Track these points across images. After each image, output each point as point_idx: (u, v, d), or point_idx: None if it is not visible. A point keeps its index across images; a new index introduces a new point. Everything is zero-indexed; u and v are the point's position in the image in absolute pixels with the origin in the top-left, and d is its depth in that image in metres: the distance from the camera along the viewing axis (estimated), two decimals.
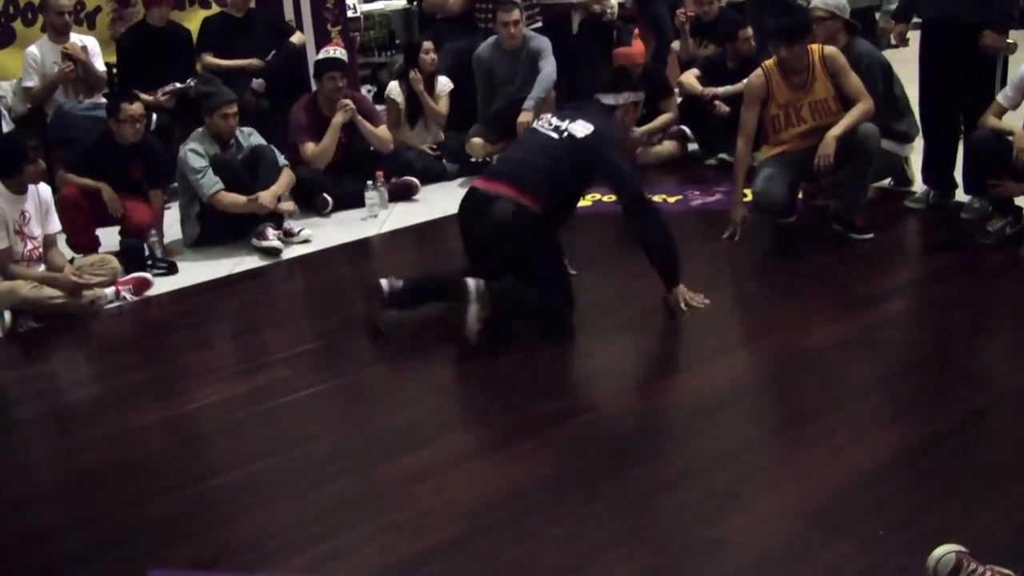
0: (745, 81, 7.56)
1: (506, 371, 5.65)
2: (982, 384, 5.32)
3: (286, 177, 8.16)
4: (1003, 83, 7.29)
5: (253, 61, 9.62)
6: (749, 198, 7.32)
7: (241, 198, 7.79)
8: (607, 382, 5.63)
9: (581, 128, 5.95)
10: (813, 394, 5.24)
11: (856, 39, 7.60)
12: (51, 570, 4.17)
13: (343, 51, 9.16)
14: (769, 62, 7.18)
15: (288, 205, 8.02)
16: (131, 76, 9.18)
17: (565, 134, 5.96)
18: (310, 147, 8.61)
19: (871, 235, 7.10)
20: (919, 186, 7.94)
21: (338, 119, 8.61)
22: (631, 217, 6.11)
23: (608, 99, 6.23)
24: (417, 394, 5.52)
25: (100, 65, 9.20)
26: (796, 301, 6.34)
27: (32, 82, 8.92)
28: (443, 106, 9.61)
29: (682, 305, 6.05)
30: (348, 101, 8.68)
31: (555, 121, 6.11)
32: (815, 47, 7.09)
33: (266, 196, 7.81)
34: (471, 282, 5.86)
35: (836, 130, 6.88)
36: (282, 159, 8.28)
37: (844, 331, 5.85)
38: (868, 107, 6.97)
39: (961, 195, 7.58)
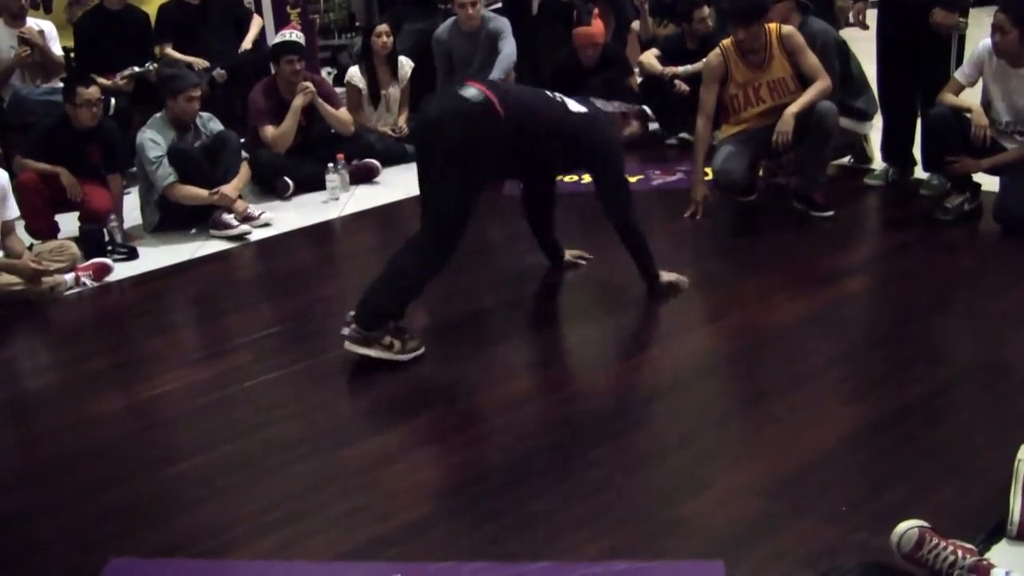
0: (704, 60, 7.57)
1: (469, 353, 5.64)
2: (942, 360, 5.34)
3: (245, 171, 8.15)
4: (960, 61, 7.31)
5: (201, 62, 9.52)
6: (710, 177, 7.33)
7: (201, 191, 7.78)
8: (569, 363, 5.64)
9: (575, 105, 5.85)
10: (774, 372, 5.25)
11: (809, 18, 7.63)
12: (9, 560, 4.13)
13: (300, 34, 9.13)
14: (727, 42, 7.18)
15: (240, 204, 7.96)
16: (89, 60, 9.14)
17: (558, 98, 5.83)
18: (270, 130, 8.59)
19: (831, 212, 7.12)
20: (878, 163, 7.98)
21: (298, 102, 8.59)
22: (609, 205, 6.01)
23: (599, 103, 6.18)
24: (380, 377, 5.50)
25: (57, 49, 9.16)
26: (757, 279, 6.36)
27: None
28: (404, 91, 9.59)
29: (670, 291, 6.06)
30: (308, 84, 8.65)
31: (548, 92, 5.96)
32: (772, 26, 7.09)
33: (230, 189, 7.82)
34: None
35: (794, 107, 6.91)
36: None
37: (805, 308, 5.87)
38: (826, 85, 6.99)
39: (920, 172, 7.62)
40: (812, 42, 7.32)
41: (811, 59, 7.05)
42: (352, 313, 5.47)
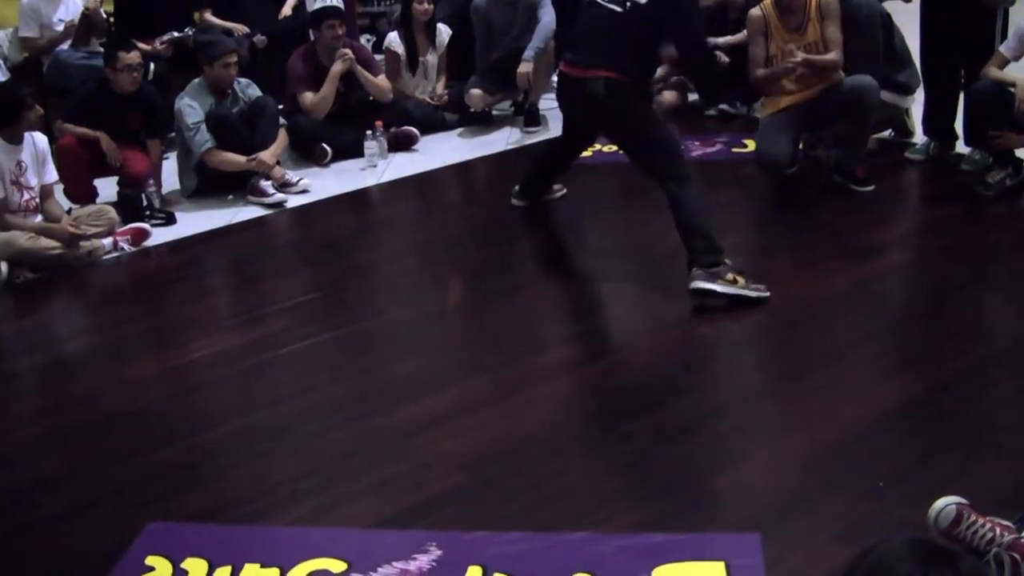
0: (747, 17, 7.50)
1: (506, 322, 5.64)
2: (981, 336, 5.30)
3: (283, 137, 8.15)
4: (1004, 35, 7.24)
5: (241, 28, 9.50)
6: (751, 148, 7.29)
7: (239, 157, 7.78)
8: (606, 334, 5.63)
9: None
10: (812, 345, 5.23)
11: None
12: (47, 522, 4.15)
13: None
14: (767, 1, 7.13)
15: (278, 171, 7.95)
16: (128, 24, 9.14)
17: (628, 4, 5.85)
18: (309, 96, 8.57)
19: (872, 187, 7.07)
20: (919, 137, 7.90)
21: (336, 68, 8.56)
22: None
23: None
24: (416, 345, 5.51)
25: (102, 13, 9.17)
26: (795, 252, 6.33)
27: (30, 32, 8.89)
28: (441, 59, 9.57)
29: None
30: (347, 51, 8.63)
31: None
32: None
33: (267, 156, 7.82)
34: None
35: (801, 54, 6.91)
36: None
37: (843, 282, 5.84)
38: (836, 59, 6.93)
39: (962, 146, 7.54)
40: (856, 14, 7.26)
41: (833, 31, 6.96)
42: (688, 261, 5.60)
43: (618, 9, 5.85)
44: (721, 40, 8.80)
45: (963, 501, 3.49)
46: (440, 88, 9.54)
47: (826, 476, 4.03)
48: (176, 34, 9.15)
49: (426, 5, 9.29)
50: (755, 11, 7.18)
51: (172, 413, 4.97)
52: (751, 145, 7.26)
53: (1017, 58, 6.88)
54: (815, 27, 6.98)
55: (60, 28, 8.95)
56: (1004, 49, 6.91)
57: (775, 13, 7.05)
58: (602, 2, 5.94)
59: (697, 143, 8.36)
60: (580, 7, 6.03)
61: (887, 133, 8.17)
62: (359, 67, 8.73)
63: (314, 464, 4.36)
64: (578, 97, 6.06)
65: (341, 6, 8.89)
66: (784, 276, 5.95)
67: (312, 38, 8.87)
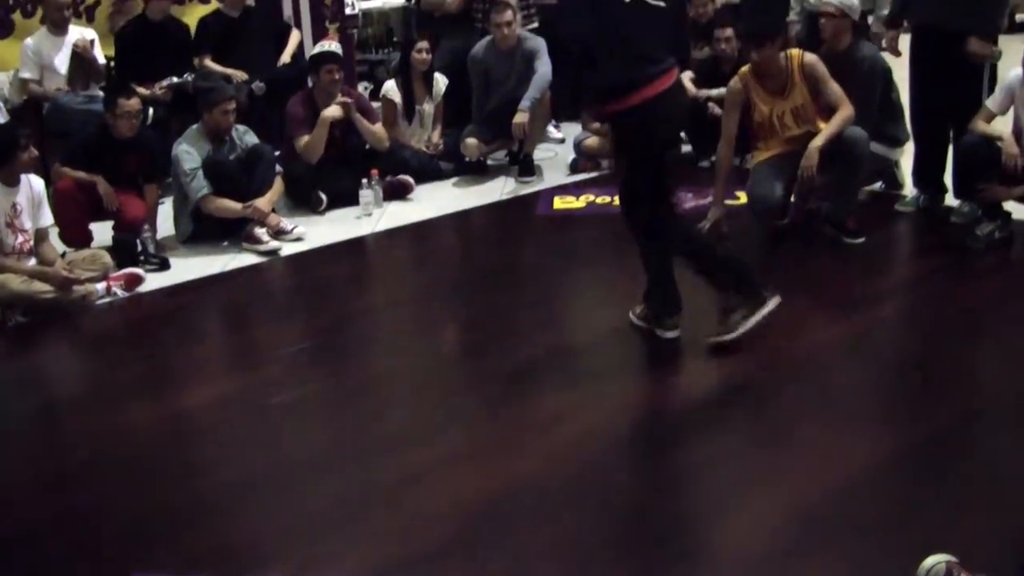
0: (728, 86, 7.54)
1: (499, 373, 5.64)
2: (973, 388, 5.33)
3: (279, 185, 8.17)
4: (992, 88, 7.29)
5: (240, 75, 9.55)
6: (743, 201, 7.32)
7: (235, 204, 7.80)
8: (598, 386, 5.61)
9: None
10: (804, 397, 5.24)
11: (861, 41, 7.62)
12: (33, 570, 4.15)
13: (338, 45, 9.16)
14: (746, 68, 7.17)
15: (273, 218, 7.97)
16: (128, 69, 9.18)
17: None
18: (303, 140, 8.59)
19: (863, 238, 7.09)
20: (910, 190, 7.94)
21: (328, 113, 8.57)
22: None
23: None
24: (409, 395, 5.52)
25: (101, 58, 9.20)
26: (788, 303, 6.31)
27: (30, 74, 8.92)
28: (437, 108, 9.61)
29: None
30: (347, 98, 8.67)
31: None
32: (795, 53, 7.09)
33: (263, 203, 7.84)
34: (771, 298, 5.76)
35: (819, 140, 6.87)
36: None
37: (835, 333, 5.87)
38: (848, 113, 6.94)
39: (951, 199, 7.57)
40: (859, 66, 7.37)
41: (834, 88, 6.99)
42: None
43: (662, 5, 5.54)
44: (714, 92, 8.85)
45: (952, 559, 3.50)
46: (436, 137, 9.57)
47: (817, 529, 4.04)
48: (175, 79, 9.19)
49: (424, 54, 9.33)
50: (734, 82, 7.22)
51: (162, 460, 4.96)
52: (743, 197, 7.28)
53: (1004, 112, 6.96)
54: (801, 91, 7.01)
55: (62, 71, 8.97)
56: (991, 103, 6.98)
57: (754, 80, 7.08)
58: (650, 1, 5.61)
59: (690, 195, 8.37)
60: (610, 12, 5.43)
61: (878, 185, 8.20)
62: (357, 114, 8.76)
63: (303, 515, 4.36)
64: (675, 108, 5.76)
65: (340, 52, 8.95)
66: (776, 327, 5.95)
67: (311, 83, 8.90)
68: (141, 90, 8.41)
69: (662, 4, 5.50)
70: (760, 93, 7.08)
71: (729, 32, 9.07)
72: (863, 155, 7.01)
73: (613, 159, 8.57)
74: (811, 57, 7.09)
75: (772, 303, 5.68)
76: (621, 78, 5.36)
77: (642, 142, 5.56)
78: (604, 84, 5.47)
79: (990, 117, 6.95)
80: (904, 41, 7.80)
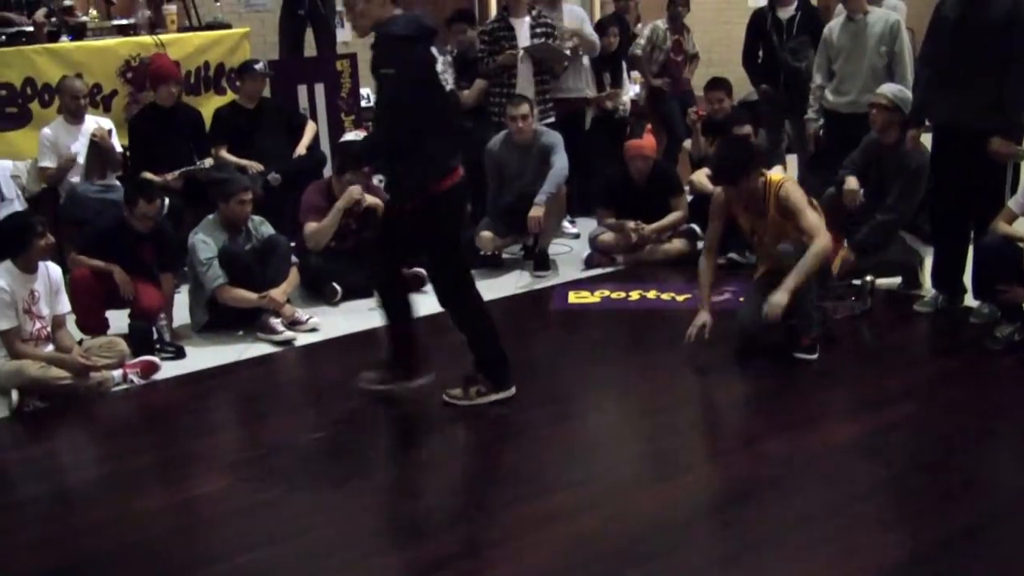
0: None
1: (509, 465, 5.64)
2: (988, 492, 5.26)
3: (294, 276, 8.19)
4: (1013, 189, 7.31)
5: (256, 165, 9.61)
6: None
7: (250, 295, 7.84)
8: (612, 479, 5.59)
9: None
10: (815, 497, 5.20)
11: (908, 138, 7.69)
12: None
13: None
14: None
15: (288, 309, 8.00)
16: (142, 157, 9.27)
17: None
18: (311, 225, 8.60)
19: (815, 356, 6.90)
20: (928, 290, 7.93)
21: (341, 203, 8.60)
22: None
23: None
24: (419, 487, 5.50)
25: (117, 147, 9.27)
26: (803, 402, 6.33)
27: (48, 162, 8.98)
28: None
29: None
30: (357, 188, 8.69)
31: None
32: (774, 178, 7.02)
33: (278, 293, 7.88)
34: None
35: (781, 295, 6.67)
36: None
37: (849, 433, 5.84)
38: (822, 246, 6.77)
39: (970, 300, 7.57)
40: (909, 160, 7.53)
41: (808, 219, 6.84)
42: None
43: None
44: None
45: None
46: None
47: None
48: (188, 168, 9.24)
49: None
50: (718, 194, 7.26)
51: (173, 548, 4.95)
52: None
53: None
54: (775, 217, 7.00)
55: (79, 160, 9.02)
56: (1013, 204, 6.97)
57: (735, 197, 7.11)
58: None
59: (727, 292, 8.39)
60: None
61: (897, 284, 8.20)
62: (379, 201, 8.77)
63: None
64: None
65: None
66: (790, 426, 5.95)
67: (327, 176, 8.91)
68: (152, 177, 8.48)
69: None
70: (742, 212, 7.10)
71: (747, 129, 9.14)
72: (824, 272, 7.06)
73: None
74: (786, 189, 6.94)
75: (510, 392, 6.32)
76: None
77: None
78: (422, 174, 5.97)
79: (1012, 218, 6.94)
80: (926, 140, 7.83)
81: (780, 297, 6.63)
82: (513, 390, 6.29)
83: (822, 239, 6.78)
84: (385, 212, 6.67)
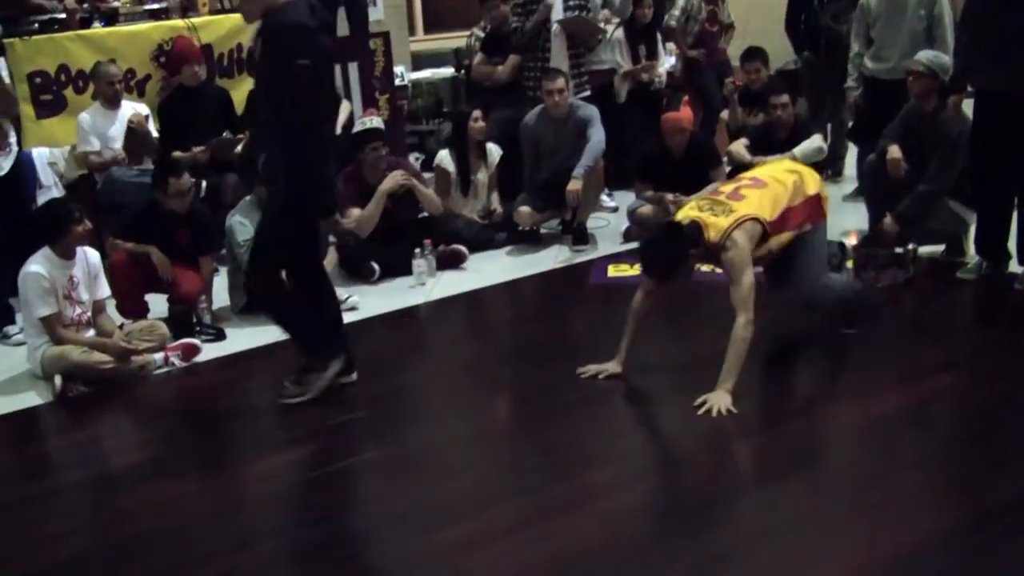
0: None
1: (552, 442, 5.61)
2: None
3: (332, 256, 8.20)
4: None
5: None
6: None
7: None
8: (654, 454, 5.58)
9: None
10: (861, 468, 5.18)
11: (950, 104, 7.63)
12: None
13: (380, 119, 9.18)
14: None
15: None
16: (173, 138, 9.25)
17: None
18: (355, 213, 8.61)
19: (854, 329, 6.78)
20: (972, 257, 7.86)
21: (385, 187, 8.62)
22: None
23: None
24: (462, 465, 5.49)
25: (153, 132, 9.27)
26: (846, 372, 6.29)
27: (88, 147, 8.99)
28: (491, 178, 9.64)
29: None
30: (400, 173, 8.69)
31: None
32: (716, 229, 5.96)
33: None
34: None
35: (726, 383, 5.81)
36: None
37: (893, 403, 5.79)
38: (744, 330, 5.83)
39: (1015, 266, 7.50)
40: (947, 129, 7.51)
41: (739, 290, 5.88)
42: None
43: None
44: (769, 158, 8.81)
45: None
46: (495, 203, 9.59)
47: None
48: (215, 139, 9.23)
49: (481, 123, 9.37)
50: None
51: (216, 530, 4.95)
52: None
53: None
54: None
55: (117, 145, 9.03)
56: None
57: None
58: None
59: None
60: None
61: (940, 251, 8.13)
62: (418, 185, 8.79)
63: None
64: None
65: (382, 127, 8.99)
66: (834, 397, 5.92)
67: (357, 159, 8.90)
68: (180, 154, 8.50)
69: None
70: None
71: (785, 99, 9.05)
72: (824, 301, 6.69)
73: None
74: (731, 255, 5.91)
75: (336, 366, 6.31)
76: None
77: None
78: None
79: None
80: (967, 106, 7.76)
81: (724, 399, 5.76)
82: (337, 367, 6.32)
83: (742, 320, 5.82)
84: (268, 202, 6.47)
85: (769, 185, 6.17)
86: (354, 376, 6.43)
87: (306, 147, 5.82)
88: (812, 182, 6.34)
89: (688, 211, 6.11)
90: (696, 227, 5.88)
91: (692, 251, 5.95)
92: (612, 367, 6.33)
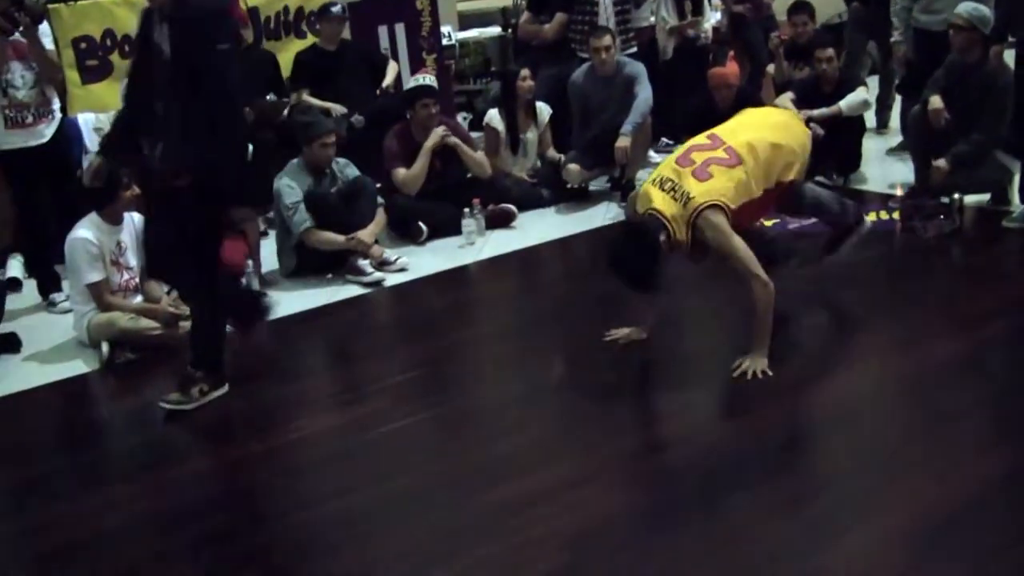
0: None
1: (606, 399, 5.61)
2: None
3: (381, 217, 8.20)
4: None
5: (339, 108, 9.59)
6: None
7: (337, 237, 7.87)
8: (705, 410, 5.56)
9: None
10: (913, 417, 5.16)
11: (991, 55, 7.56)
12: None
13: (432, 77, 9.18)
14: None
15: (376, 249, 8.02)
16: None
17: None
18: (401, 172, 8.63)
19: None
20: (1017, 206, 7.80)
21: (429, 143, 8.63)
22: None
23: None
24: (514, 423, 5.49)
25: None
26: (895, 322, 6.25)
27: None
28: (545, 136, 9.64)
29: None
30: (441, 128, 8.69)
31: None
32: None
33: (366, 235, 7.90)
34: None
35: (760, 348, 5.74)
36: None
37: (943, 353, 5.77)
38: (763, 292, 5.74)
39: None
40: (992, 80, 7.43)
41: (739, 261, 5.78)
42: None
43: None
44: (816, 112, 8.78)
45: None
46: (553, 154, 9.58)
47: (929, 551, 3.98)
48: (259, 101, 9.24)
49: (529, 82, 9.36)
50: None
51: (269, 493, 5.00)
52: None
53: None
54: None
55: None
56: None
57: None
58: None
59: (793, 216, 8.29)
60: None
61: (985, 200, 8.07)
62: (459, 142, 8.79)
63: (411, 545, 4.35)
64: None
65: (435, 85, 8.98)
66: (884, 347, 5.89)
67: (408, 117, 8.91)
68: None
69: None
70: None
71: (830, 52, 9.01)
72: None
73: None
74: (710, 231, 5.76)
75: (225, 388, 6.03)
76: None
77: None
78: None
79: None
80: (1008, 56, 7.69)
81: (760, 362, 5.71)
82: (227, 387, 6.04)
83: (756, 285, 5.73)
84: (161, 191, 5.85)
85: (744, 163, 5.91)
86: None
87: (231, 135, 5.68)
88: (798, 163, 6.14)
89: (649, 187, 5.91)
90: (658, 225, 5.75)
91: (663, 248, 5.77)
92: (636, 333, 6.25)
